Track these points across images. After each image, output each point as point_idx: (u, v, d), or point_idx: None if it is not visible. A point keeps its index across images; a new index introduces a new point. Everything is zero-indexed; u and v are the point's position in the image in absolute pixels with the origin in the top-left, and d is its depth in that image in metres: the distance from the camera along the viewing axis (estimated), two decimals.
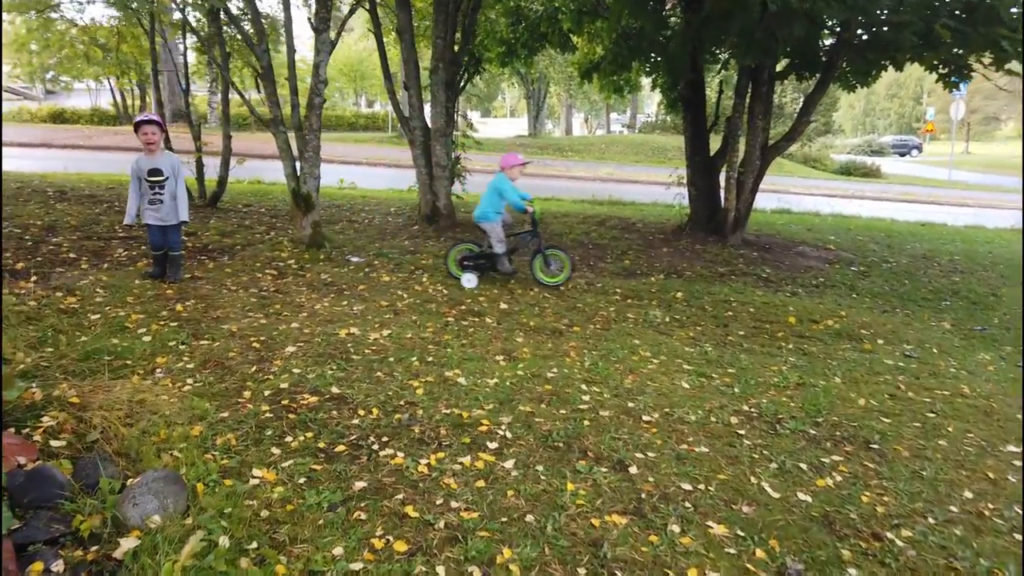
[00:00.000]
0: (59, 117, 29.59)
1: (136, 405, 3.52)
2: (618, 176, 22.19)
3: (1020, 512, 3.42)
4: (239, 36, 7.99)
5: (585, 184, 19.82)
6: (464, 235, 8.95)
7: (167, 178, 5.69)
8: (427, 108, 9.43)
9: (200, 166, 9.57)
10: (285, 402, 3.82)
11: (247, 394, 3.89)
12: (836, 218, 14.93)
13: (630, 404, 4.18)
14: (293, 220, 7.60)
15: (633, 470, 3.43)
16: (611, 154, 29.93)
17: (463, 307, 5.87)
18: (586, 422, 3.88)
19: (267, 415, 3.66)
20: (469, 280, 6.59)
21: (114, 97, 28.30)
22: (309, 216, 7.40)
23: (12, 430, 3.16)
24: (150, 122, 5.60)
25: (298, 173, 7.37)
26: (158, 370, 4.10)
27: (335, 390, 4.03)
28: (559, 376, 4.53)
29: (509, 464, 3.39)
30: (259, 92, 7.62)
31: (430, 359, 4.63)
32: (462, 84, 9.69)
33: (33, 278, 5.48)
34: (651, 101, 52.43)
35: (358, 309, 5.57)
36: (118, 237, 7.01)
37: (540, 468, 3.38)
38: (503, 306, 6.01)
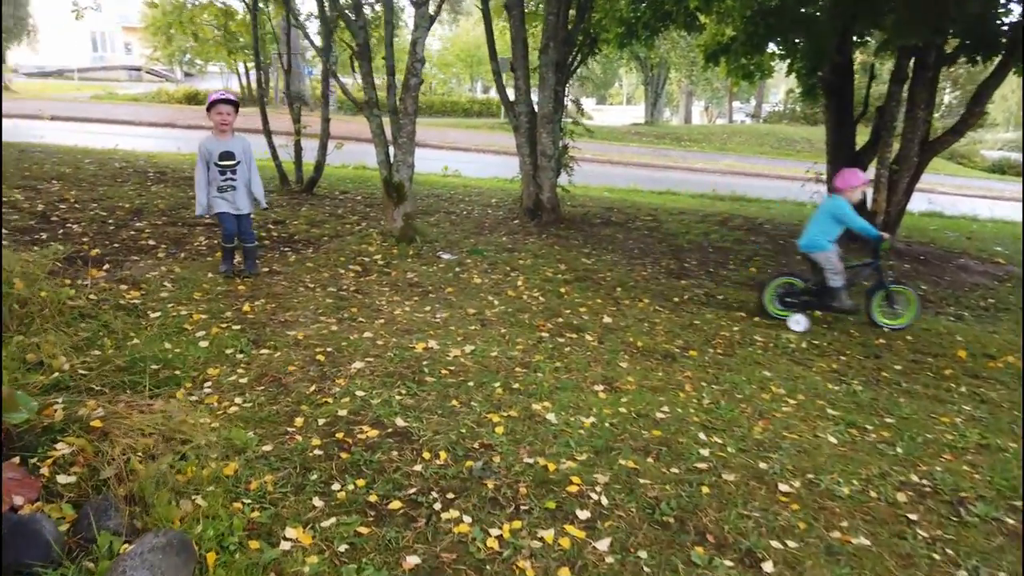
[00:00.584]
0: (193, 98, 31.04)
1: (168, 432, 3.02)
2: (741, 168, 20.74)
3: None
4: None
5: (704, 177, 18.60)
6: (568, 232, 8.22)
7: (239, 162, 5.26)
8: (535, 92, 8.71)
9: (298, 149, 9.27)
10: (340, 435, 3.24)
11: (299, 421, 3.34)
12: (997, 224, 13.12)
13: (762, 464, 3.34)
14: (384, 211, 7.11)
15: (768, 567, 2.62)
16: (733, 145, 28.25)
17: (560, 320, 5.15)
18: (705, 489, 3.08)
19: (316, 452, 3.09)
20: (798, 323, 5.51)
21: (239, 79, 29.30)
22: (400, 207, 6.87)
23: (16, 460, 2.72)
24: (226, 102, 5.18)
25: (391, 160, 6.85)
26: (207, 383, 3.63)
27: (400, 422, 3.41)
28: (671, 418, 3.73)
29: (603, 545, 2.66)
30: (354, 73, 7.15)
31: (516, 385, 3.94)
32: (574, 66, 8.90)
33: (105, 267, 5.20)
34: (777, 89, 49.61)
35: (441, 316, 4.96)
36: (203, 224, 6.73)
37: (643, 554, 2.63)
38: (606, 320, 5.24)
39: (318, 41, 8.88)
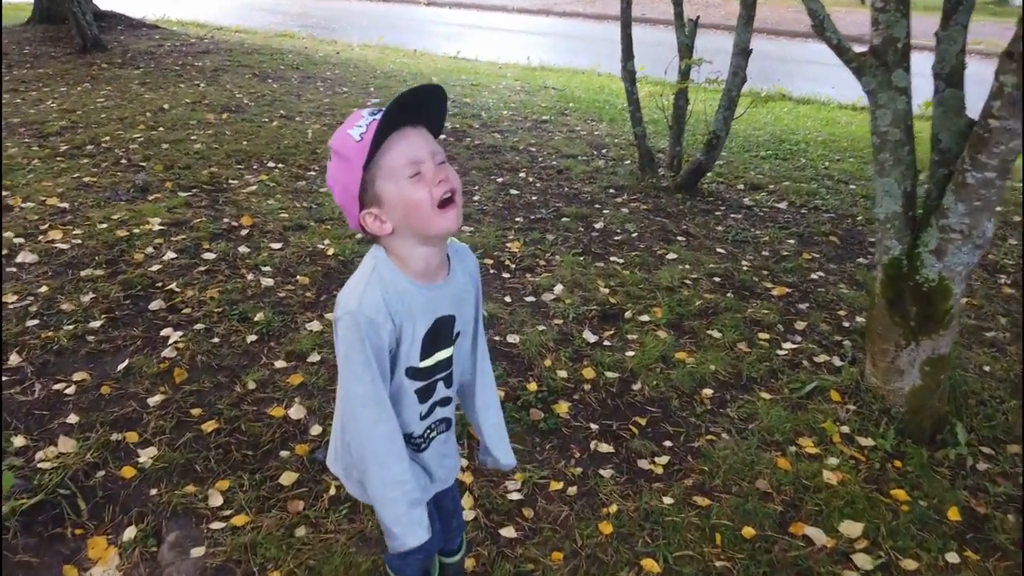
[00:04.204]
0: None
1: None
2: None
3: None
4: None
5: None
6: None
7: (459, 333, 1.51)
8: None
9: (680, 110, 5.23)
10: None
11: None
12: None
13: None
14: (870, 336, 2.86)
15: None
16: None
17: None
18: None
19: None
20: None
21: None
22: (926, 344, 2.61)
23: None
24: (423, 122, 1.31)
25: (926, 229, 2.57)
26: None
27: None
28: None
29: None
30: None
31: None
32: None
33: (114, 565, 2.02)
34: None
35: None
36: None
37: None
38: None
39: None
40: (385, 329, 1.32)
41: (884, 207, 2.66)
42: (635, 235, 4.38)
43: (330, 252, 3.83)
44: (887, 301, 2.71)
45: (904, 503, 2.43)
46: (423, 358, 1.42)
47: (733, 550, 2.21)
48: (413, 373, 1.43)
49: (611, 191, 5.14)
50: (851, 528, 2.33)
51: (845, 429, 2.75)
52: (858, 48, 2.73)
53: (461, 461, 2.30)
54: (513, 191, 5.01)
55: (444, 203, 1.29)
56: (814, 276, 4.02)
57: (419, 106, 1.28)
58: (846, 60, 2.61)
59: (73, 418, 2.53)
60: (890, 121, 2.58)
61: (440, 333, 1.43)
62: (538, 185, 5.18)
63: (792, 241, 4.48)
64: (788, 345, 3.30)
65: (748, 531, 2.29)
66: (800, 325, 3.48)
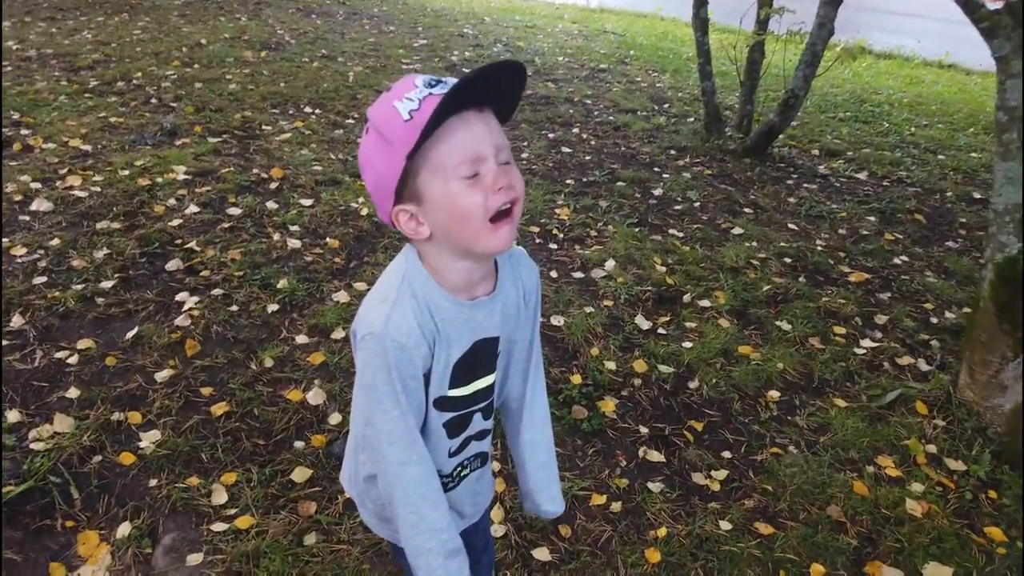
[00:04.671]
0: None
1: None
2: None
3: None
4: None
5: None
6: None
7: (501, 353, 1.23)
8: None
9: (754, 66, 4.79)
10: None
11: None
12: None
13: None
14: (969, 347, 2.50)
15: None
16: None
17: None
18: None
19: None
20: None
21: None
22: None
23: None
24: (483, 98, 1.00)
25: None
26: None
27: None
28: None
29: None
30: None
31: None
32: None
33: None
34: None
35: None
36: None
37: None
38: None
39: None
40: (418, 354, 1.07)
41: (1004, 196, 2.28)
42: (697, 205, 4.02)
43: (364, 212, 3.57)
44: (996, 306, 2.35)
45: (1000, 544, 2.13)
46: (454, 386, 1.16)
47: None
48: (442, 403, 1.17)
49: (672, 152, 4.76)
50: (937, 572, 2.03)
51: (932, 448, 2.43)
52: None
53: (493, 465, 2.07)
54: (565, 149, 4.67)
55: (499, 216, 1.01)
56: (897, 261, 3.63)
57: (489, 85, 0.98)
58: (976, 19, 2.21)
59: (73, 392, 2.34)
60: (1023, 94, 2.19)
61: (479, 358, 1.17)
62: (592, 143, 4.81)
63: (872, 218, 4.08)
64: (867, 343, 2.96)
65: (817, 568, 2.01)
66: (881, 319, 3.12)
